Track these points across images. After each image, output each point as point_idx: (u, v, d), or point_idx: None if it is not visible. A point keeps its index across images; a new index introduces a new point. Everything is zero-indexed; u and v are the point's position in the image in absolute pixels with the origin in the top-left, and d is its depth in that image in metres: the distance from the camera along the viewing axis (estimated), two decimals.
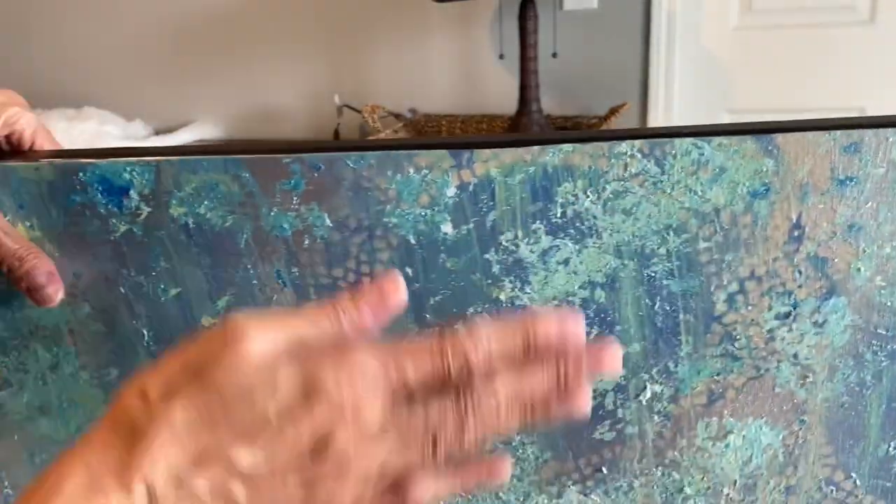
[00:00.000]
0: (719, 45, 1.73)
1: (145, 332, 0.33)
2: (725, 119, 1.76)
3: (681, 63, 1.70)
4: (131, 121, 1.86)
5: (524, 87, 1.52)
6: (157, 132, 1.89)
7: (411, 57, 1.78)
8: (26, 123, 0.31)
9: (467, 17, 1.73)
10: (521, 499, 0.33)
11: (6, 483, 0.37)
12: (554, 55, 1.57)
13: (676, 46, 1.67)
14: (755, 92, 1.73)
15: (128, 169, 0.30)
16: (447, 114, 1.75)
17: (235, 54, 1.86)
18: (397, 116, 1.69)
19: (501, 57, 1.55)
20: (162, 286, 0.32)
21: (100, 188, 0.31)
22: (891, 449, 0.30)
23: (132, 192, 0.31)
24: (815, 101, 1.71)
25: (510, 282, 0.31)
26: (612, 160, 0.29)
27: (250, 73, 1.86)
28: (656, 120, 1.72)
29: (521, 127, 1.54)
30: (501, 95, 1.73)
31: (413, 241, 0.30)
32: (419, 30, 1.76)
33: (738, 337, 0.30)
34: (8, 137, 0.31)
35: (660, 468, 0.32)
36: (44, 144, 0.32)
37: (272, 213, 0.31)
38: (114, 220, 0.31)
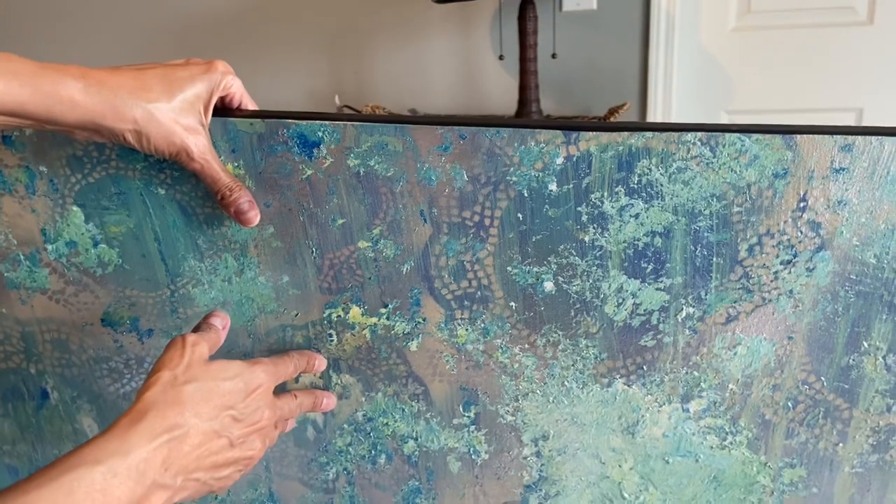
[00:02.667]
0: (718, 45, 1.76)
1: (314, 250, 0.45)
2: (724, 119, 1.82)
3: (679, 64, 1.73)
4: None
5: (524, 88, 1.54)
6: None
7: (411, 57, 1.79)
8: (237, 88, 0.42)
9: (467, 17, 1.74)
10: (581, 386, 0.47)
11: None
12: (553, 56, 1.60)
13: (675, 47, 1.69)
14: (754, 92, 1.77)
15: (322, 128, 0.41)
16: (447, 114, 1.77)
17: (236, 55, 1.85)
18: None
19: (501, 57, 1.59)
20: (332, 217, 0.44)
21: (298, 141, 0.42)
22: (850, 360, 0.45)
23: (322, 146, 0.42)
24: (813, 101, 1.75)
25: (594, 228, 0.43)
26: (680, 145, 0.41)
27: (251, 73, 1.85)
28: (655, 120, 1.74)
29: None
30: (501, 96, 1.77)
31: (526, 194, 0.43)
32: (419, 30, 1.77)
33: (752, 276, 0.43)
34: (222, 98, 0.42)
35: (685, 368, 0.46)
36: (248, 105, 0.43)
37: (424, 168, 0.42)
38: (303, 167, 0.43)
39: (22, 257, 0.47)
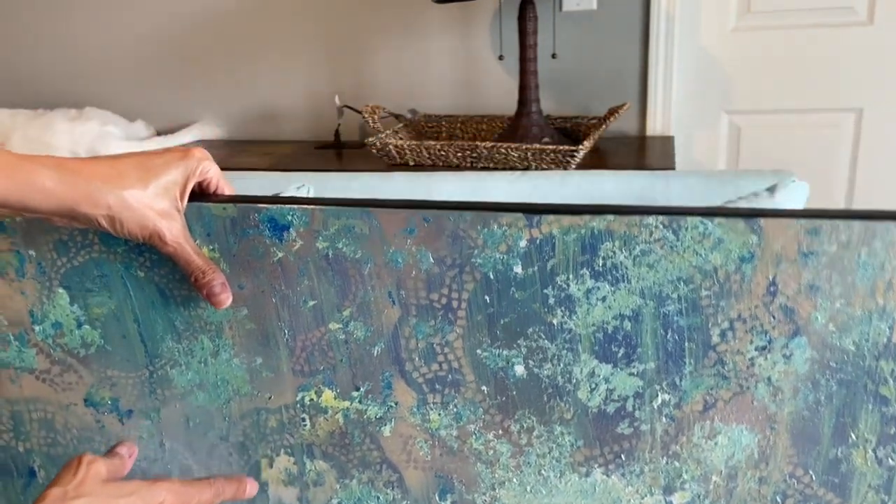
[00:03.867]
0: (718, 45, 1.78)
1: (286, 332, 0.46)
2: (724, 119, 1.84)
3: (679, 64, 1.75)
4: (133, 121, 1.93)
5: (524, 88, 1.56)
6: (159, 133, 1.96)
7: (411, 57, 1.83)
8: (214, 173, 0.45)
9: (467, 18, 1.78)
10: (558, 475, 0.46)
11: (164, 441, 0.50)
12: (553, 56, 1.62)
13: (675, 47, 1.71)
14: (753, 92, 1.79)
15: (291, 212, 0.44)
16: (447, 114, 1.80)
17: (236, 55, 1.91)
18: (397, 117, 1.75)
19: (501, 58, 1.60)
20: (303, 298, 0.45)
21: (269, 225, 0.44)
22: (839, 453, 0.43)
23: (291, 230, 0.44)
24: (813, 101, 1.76)
25: (561, 311, 0.44)
26: (642, 228, 0.42)
27: (251, 74, 1.92)
28: (655, 120, 1.77)
29: (521, 127, 1.57)
30: (501, 96, 1.79)
31: (492, 277, 0.44)
32: (419, 30, 1.81)
33: (727, 362, 0.43)
34: (200, 183, 0.45)
35: (665, 458, 0.45)
36: (224, 188, 0.46)
37: (391, 250, 0.44)
38: (274, 249, 0.45)
39: (11, 338, 0.50)
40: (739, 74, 1.77)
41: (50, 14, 1.97)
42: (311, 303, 0.46)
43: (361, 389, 0.47)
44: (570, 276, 0.43)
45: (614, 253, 0.42)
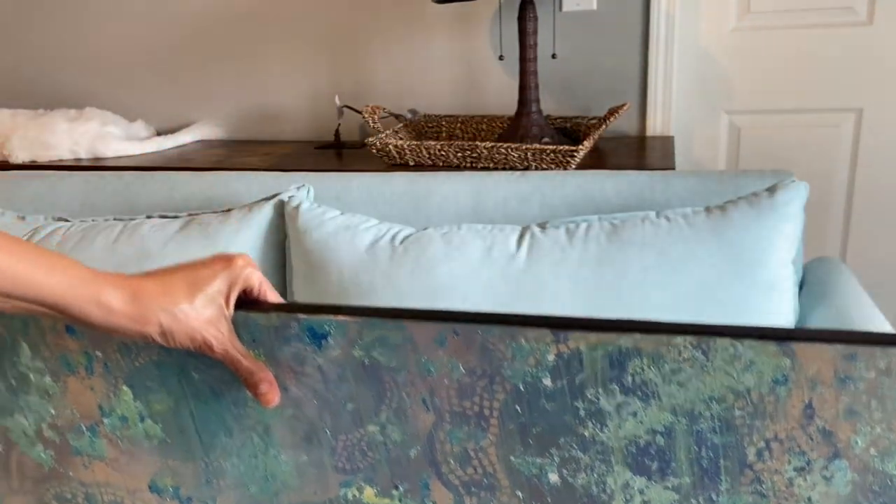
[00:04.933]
0: (717, 46, 1.78)
1: (328, 432, 0.49)
2: (724, 119, 1.82)
3: (679, 64, 1.75)
4: (133, 121, 1.96)
5: (524, 88, 1.56)
6: (159, 132, 1.99)
7: (411, 58, 1.84)
8: (257, 280, 0.50)
9: (467, 18, 1.80)
10: None
11: None
12: (553, 56, 1.63)
13: (675, 47, 1.72)
14: (753, 93, 1.78)
15: (328, 323, 0.48)
16: (447, 114, 1.82)
17: (236, 55, 1.94)
18: (397, 117, 1.75)
19: (501, 58, 1.61)
20: (343, 401, 0.49)
21: (308, 334, 0.48)
22: None
23: (329, 339, 0.48)
24: (812, 101, 1.75)
25: (592, 424, 0.45)
26: (670, 348, 0.43)
27: (251, 73, 1.94)
28: (655, 120, 1.76)
29: (521, 127, 1.58)
30: (501, 96, 1.81)
31: (522, 388, 0.45)
32: (419, 31, 1.82)
33: (764, 481, 0.42)
34: (244, 290, 0.50)
35: None
36: (266, 292, 0.50)
37: (423, 360, 0.47)
38: (314, 356, 0.49)
39: (84, 428, 0.55)
40: (739, 74, 1.78)
41: (50, 15, 2.02)
42: (350, 406, 0.49)
43: (401, 489, 0.49)
44: (600, 391, 0.44)
45: (643, 370, 0.43)
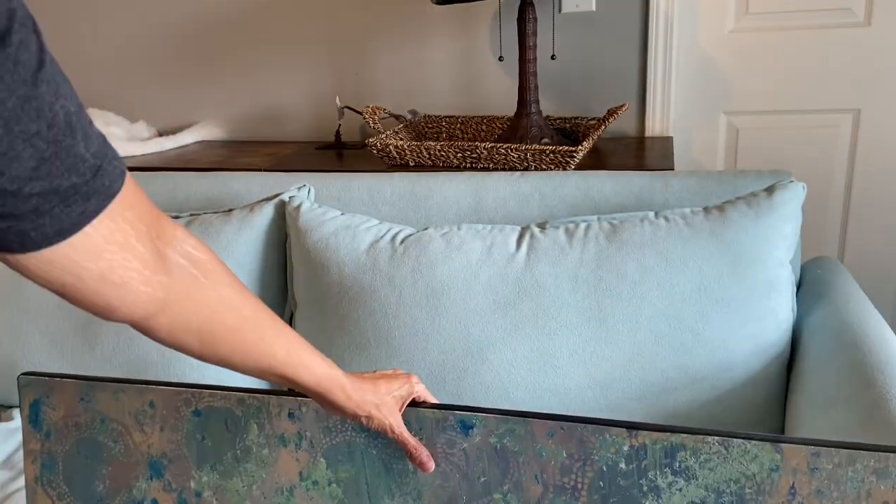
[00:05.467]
0: (716, 47, 1.81)
1: (465, 497, 0.69)
2: (723, 120, 1.84)
3: (678, 65, 1.79)
4: (135, 122, 2.01)
5: (523, 89, 1.60)
6: (161, 133, 2.05)
7: (412, 59, 1.87)
8: (422, 390, 0.71)
9: (467, 20, 1.83)
10: None
11: None
12: (553, 57, 1.66)
13: (674, 49, 1.75)
14: (751, 93, 1.82)
15: (475, 419, 0.67)
16: (447, 115, 1.86)
17: (238, 56, 1.97)
18: (398, 118, 1.79)
19: (501, 59, 1.64)
20: (478, 475, 0.68)
21: (459, 425, 0.67)
22: None
23: (474, 429, 0.67)
24: (811, 102, 1.79)
25: (652, 496, 0.64)
26: (704, 444, 0.62)
27: (253, 74, 1.98)
28: (654, 121, 1.79)
29: (521, 128, 1.62)
30: (501, 97, 1.86)
31: (604, 469, 0.64)
32: (419, 32, 1.85)
33: None
34: (414, 398, 0.69)
35: None
36: (429, 398, 0.71)
37: (538, 446, 0.66)
38: (461, 440, 0.67)
39: (285, 490, 0.75)
40: (738, 75, 1.80)
41: (51, 16, 2.01)
42: (482, 479, 0.68)
43: None
44: (657, 473, 0.64)
45: (686, 459, 0.63)
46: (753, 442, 0.62)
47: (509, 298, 1.24)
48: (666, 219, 1.25)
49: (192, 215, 1.54)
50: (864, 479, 0.59)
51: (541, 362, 1.19)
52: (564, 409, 1.15)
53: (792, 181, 1.25)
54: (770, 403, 1.20)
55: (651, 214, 1.28)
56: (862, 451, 0.60)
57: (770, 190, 1.23)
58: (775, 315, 1.19)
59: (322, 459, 0.74)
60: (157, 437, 0.80)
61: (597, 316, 1.19)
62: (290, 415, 0.75)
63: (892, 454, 0.59)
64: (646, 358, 1.17)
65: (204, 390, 0.78)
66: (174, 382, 0.80)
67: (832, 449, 0.60)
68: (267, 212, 1.50)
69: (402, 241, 1.34)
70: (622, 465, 0.65)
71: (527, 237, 1.33)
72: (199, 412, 0.79)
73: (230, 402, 0.77)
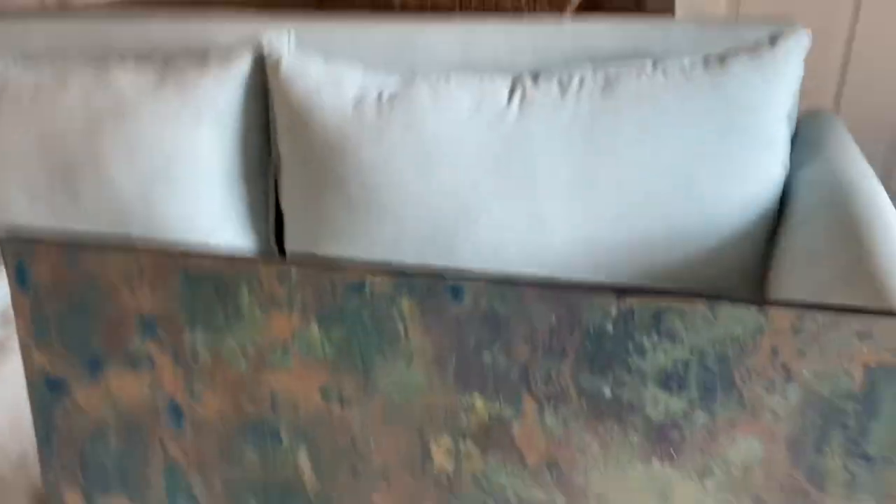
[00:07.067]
0: None
1: (455, 358, 0.72)
2: None
3: None
4: None
5: None
6: None
7: None
8: None
9: None
10: (628, 463, 0.72)
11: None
12: None
13: None
14: None
15: (465, 284, 0.68)
16: None
17: None
18: None
19: None
20: (468, 337, 0.70)
21: (449, 293, 0.68)
22: (818, 461, 0.67)
23: (464, 294, 0.68)
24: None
25: (637, 357, 0.67)
26: (693, 308, 0.64)
27: None
28: None
29: None
30: None
31: (591, 332, 0.67)
32: None
33: (745, 397, 0.66)
34: None
35: (701, 457, 0.70)
36: None
37: (529, 309, 0.68)
38: (452, 306, 0.69)
39: (279, 350, 0.78)
40: None
41: None
42: (472, 341, 0.70)
43: (501, 399, 0.72)
44: (644, 335, 0.66)
45: (673, 321, 0.65)
46: (740, 305, 0.64)
47: (500, 158, 1.24)
48: (664, 72, 1.23)
49: (165, 62, 1.49)
50: (848, 342, 0.62)
51: (531, 222, 1.21)
52: (554, 267, 1.18)
53: (796, 29, 1.21)
54: (756, 258, 1.23)
55: (649, 66, 1.25)
56: (846, 314, 0.62)
57: (773, 40, 1.20)
58: (769, 172, 1.21)
59: (314, 322, 0.76)
60: (148, 297, 0.82)
61: (588, 175, 1.20)
62: (280, 280, 0.76)
63: (876, 317, 0.61)
64: (635, 217, 1.18)
65: (192, 252, 0.79)
66: (162, 243, 0.81)
67: (817, 312, 0.63)
68: (246, 62, 1.45)
69: (389, 95, 1.32)
70: (609, 328, 0.67)
71: (518, 90, 1.31)
72: (188, 273, 0.80)
73: (219, 264, 0.78)
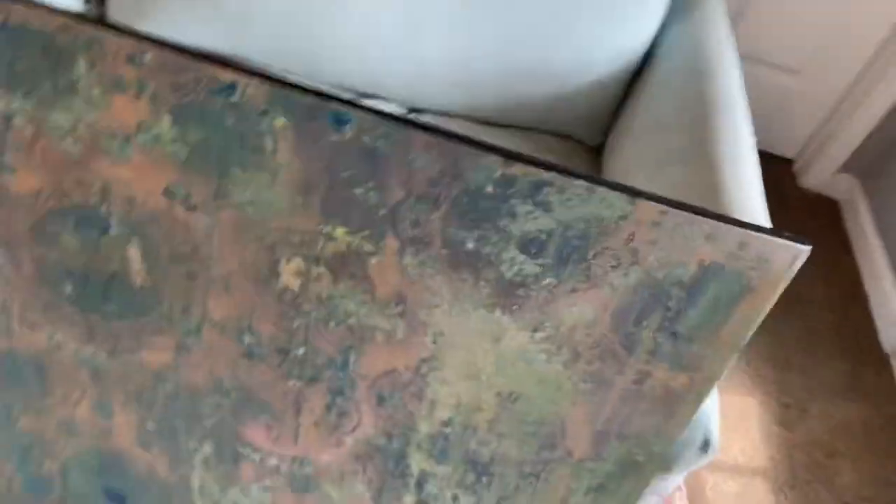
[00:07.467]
0: None
1: (324, 186, 0.68)
2: None
3: None
4: None
5: None
6: None
7: None
8: None
9: None
10: (475, 309, 0.76)
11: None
12: None
13: None
14: None
15: (351, 114, 0.63)
16: None
17: None
18: None
19: None
20: (342, 168, 0.67)
21: (331, 120, 0.63)
22: (634, 330, 0.76)
23: (348, 126, 0.64)
24: None
25: (507, 219, 0.69)
26: (572, 186, 0.66)
27: None
28: None
29: None
30: None
31: (472, 188, 0.67)
32: None
33: (592, 269, 0.72)
34: None
35: (539, 313, 0.76)
36: None
37: (413, 156, 0.66)
38: (332, 136, 0.65)
39: (118, 135, 0.69)
40: None
41: None
42: (346, 173, 0.67)
43: (365, 232, 0.71)
44: (519, 202, 0.68)
45: (550, 194, 0.67)
46: (615, 193, 0.67)
47: None
48: None
49: None
50: (695, 239, 0.69)
51: (405, 24, 1.13)
52: (420, 79, 1.13)
53: None
54: (608, 109, 1.28)
55: None
56: (701, 217, 0.68)
57: None
58: (645, 24, 1.22)
59: (167, 115, 0.68)
60: None
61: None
62: (131, 59, 0.66)
63: (725, 224, 0.68)
64: (512, 45, 1.16)
65: (14, 3, 0.65)
66: None
67: (679, 210, 0.68)
68: None
69: None
70: (489, 189, 0.68)
71: None
72: (6, 27, 0.66)
73: (50, 25, 0.65)
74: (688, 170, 0.97)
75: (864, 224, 2.33)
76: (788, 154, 2.60)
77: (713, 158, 0.98)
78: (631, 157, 1.15)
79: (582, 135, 1.30)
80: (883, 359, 2.03)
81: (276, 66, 1.22)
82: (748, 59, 2.18)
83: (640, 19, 1.21)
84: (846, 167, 2.45)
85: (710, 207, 0.93)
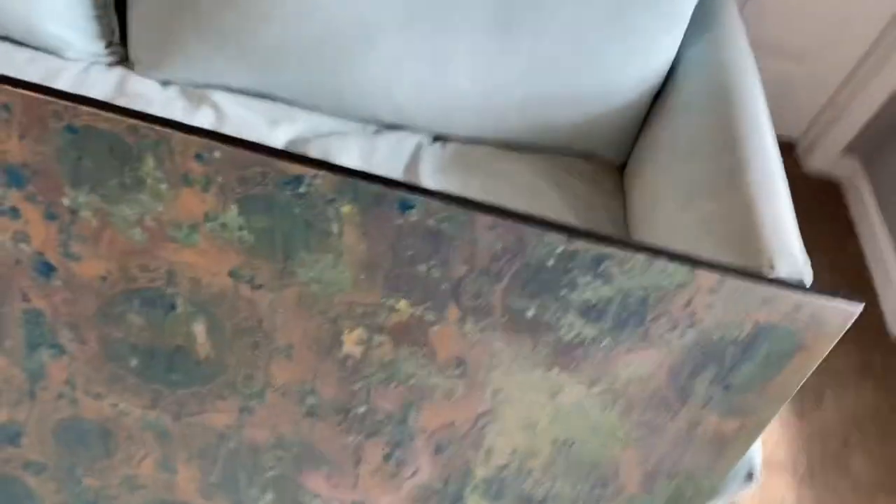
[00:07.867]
0: None
1: (388, 264, 0.71)
2: None
3: None
4: None
5: None
6: None
7: None
8: None
9: None
10: (532, 368, 0.79)
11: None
12: None
13: None
14: None
15: (417, 200, 0.65)
16: None
17: None
18: None
19: None
20: (406, 249, 0.69)
21: (398, 206, 0.65)
22: (691, 383, 0.80)
23: (413, 210, 0.66)
24: None
25: (567, 289, 0.72)
26: (632, 258, 0.69)
27: None
28: None
29: None
30: None
31: (532, 263, 0.70)
32: None
33: (650, 332, 0.75)
34: None
35: (596, 370, 0.79)
36: None
37: (476, 236, 0.68)
38: (398, 219, 0.67)
39: (185, 225, 0.71)
40: None
41: None
42: (409, 252, 0.70)
43: (427, 304, 0.74)
44: (580, 273, 0.70)
45: (611, 266, 0.70)
46: (674, 263, 0.70)
47: None
48: None
49: None
50: (752, 304, 0.72)
51: (433, 60, 1.14)
52: (447, 110, 1.14)
53: None
54: (633, 130, 1.29)
55: None
56: (759, 283, 0.71)
57: None
58: (667, 49, 1.23)
59: (233, 206, 0.70)
60: (16, 144, 0.69)
61: (502, 20, 1.13)
62: (199, 157, 0.68)
63: (782, 288, 0.71)
64: (539, 74, 1.17)
65: (81, 106, 0.66)
66: (40, 86, 0.66)
67: (737, 278, 0.71)
68: None
69: None
70: (550, 263, 0.70)
71: None
72: (74, 129, 0.67)
73: (118, 127, 0.67)
74: (720, 204, 0.99)
75: (868, 206, 2.37)
76: (792, 137, 2.63)
77: (745, 192, 1.00)
78: (659, 185, 1.17)
79: (606, 154, 1.32)
80: (890, 344, 2.08)
81: (304, 102, 1.23)
82: (752, 44, 2.19)
83: (663, 41, 1.22)
84: (849, 150, 2.48)
85: (747, 247, 0.97)
